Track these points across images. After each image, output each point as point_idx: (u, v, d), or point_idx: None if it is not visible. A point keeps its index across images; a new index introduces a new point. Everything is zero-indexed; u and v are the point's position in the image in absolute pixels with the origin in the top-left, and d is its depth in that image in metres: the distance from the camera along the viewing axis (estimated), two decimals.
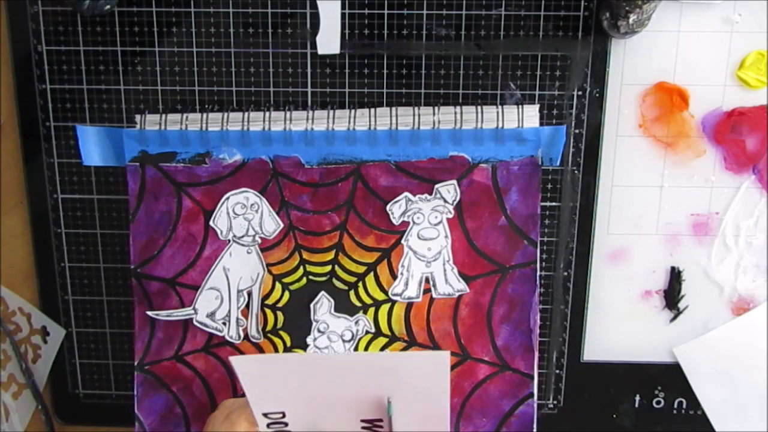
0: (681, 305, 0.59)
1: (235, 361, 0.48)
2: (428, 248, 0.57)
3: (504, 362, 0.58)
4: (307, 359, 0.53)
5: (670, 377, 0.60)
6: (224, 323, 0.58)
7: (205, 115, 0.56)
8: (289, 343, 0.59)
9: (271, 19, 0.55)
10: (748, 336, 0.59)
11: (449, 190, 0.56)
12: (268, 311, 0.59)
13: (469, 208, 0.56)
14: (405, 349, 0.58)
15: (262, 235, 0.57)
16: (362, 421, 0.52)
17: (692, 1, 0.53)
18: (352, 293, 0.58)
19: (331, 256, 0.58)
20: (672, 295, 0.59)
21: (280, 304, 0.58)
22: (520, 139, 0.55)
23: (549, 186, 0.57)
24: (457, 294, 0.58)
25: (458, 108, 0.55)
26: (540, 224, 0.57)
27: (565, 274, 0.58)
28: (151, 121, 0.56)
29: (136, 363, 0.59)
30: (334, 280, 0.58)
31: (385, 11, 0.54)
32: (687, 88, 0.55)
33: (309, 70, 0.56)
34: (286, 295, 0.58)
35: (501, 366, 0.58)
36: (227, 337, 0.59)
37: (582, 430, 0.61)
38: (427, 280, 0.57)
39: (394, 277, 0.58)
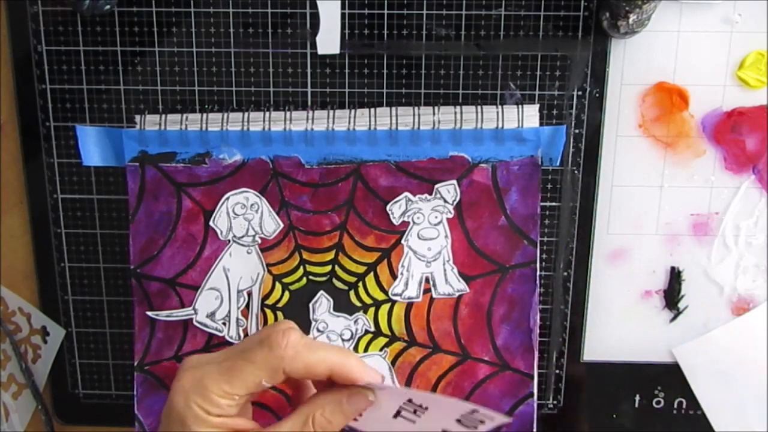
0: (681, 305, 0.59)
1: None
2: (428, 248, 0.57)
3: (504, 362, 0.58)
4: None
5: (670, 377, 0.60)
6: (224, 323, 0.58)
7: (205, 115, 0.56)
8: None
9: (271, 19, 0.55)
10: (748, 336, 0.59)
11: (449, 190, 0.56)
12: (268, 311, 0.58)
13: (469, 208, 0.56)
14: (405, 349, 0.58)
15: (262, 235, 0.57)
16: None
17: (692, 1, 0.53)
18: (352, 293, 0.58)
19: (331, 256, 0.58)
20: (672, 295, 0.59)
21: (280, 305, 0.58)
22: (520, 139, 0.55)
23: (549, 186, 0.57)
24: (457, 294, 0.58)
25: (458, 108, 0.55)
26: (540, 224, 0.57)
27: (565, 274, 0.58)
28: (151, 121, 0.56)
29: (136, 363, 0.59)
30: (334, 280, 0.58)
31: (385, 11, 0.54)
32: (687, 88, 0.55)
33: (309, 70, 0.56)
34: (286, 295, 0.58)
35: (501, 366, 0.58)
36: (227, 338, 0.58)
37: (582, 430, 0.61)
38: (427, 280, 0.57)
39: (394, 277, 0.58)
